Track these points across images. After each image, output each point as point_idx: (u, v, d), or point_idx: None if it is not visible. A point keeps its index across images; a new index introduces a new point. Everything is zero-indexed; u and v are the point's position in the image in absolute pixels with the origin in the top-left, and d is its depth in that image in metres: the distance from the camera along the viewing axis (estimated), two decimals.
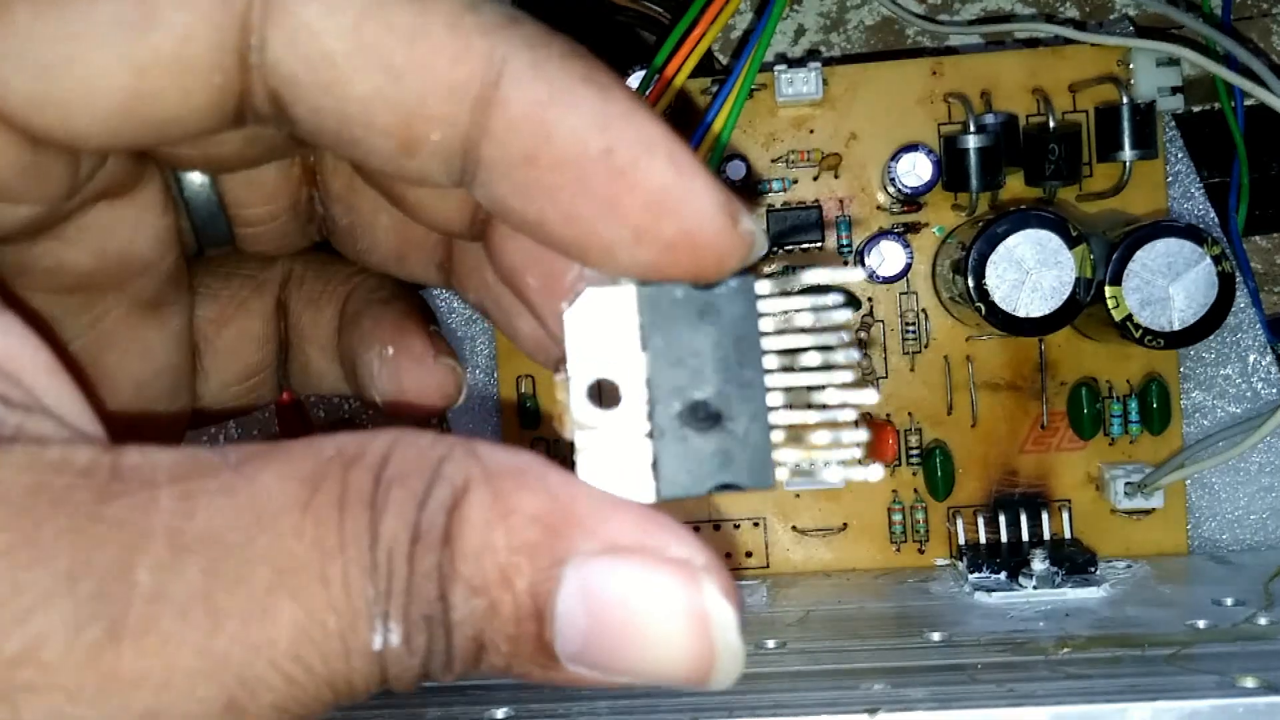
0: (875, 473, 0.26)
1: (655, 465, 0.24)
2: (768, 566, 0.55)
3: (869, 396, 0.25)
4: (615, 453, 0.24)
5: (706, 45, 0.49)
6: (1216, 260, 0.46)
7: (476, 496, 0.21)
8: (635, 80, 0.49)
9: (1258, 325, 0.54)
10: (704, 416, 0.24)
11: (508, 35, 0.23)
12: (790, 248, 0.54)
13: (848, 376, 0.25)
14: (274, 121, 0.25)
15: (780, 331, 0.25)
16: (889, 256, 0.52)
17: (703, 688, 0.23)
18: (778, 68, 0.53)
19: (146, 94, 0.23)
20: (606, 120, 0.23)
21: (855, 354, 0.25)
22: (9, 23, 0.22)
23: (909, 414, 0.54)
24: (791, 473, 0.25)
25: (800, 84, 0.53)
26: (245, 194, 0.32)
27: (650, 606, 0.22)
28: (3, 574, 0.19)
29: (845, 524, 0.55)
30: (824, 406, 0.25)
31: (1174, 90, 0.52)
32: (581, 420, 0.24)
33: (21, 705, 0.19)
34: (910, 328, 0.54)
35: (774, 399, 0.24)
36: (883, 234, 0.53)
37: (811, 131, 0.54)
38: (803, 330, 0.25)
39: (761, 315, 0.24)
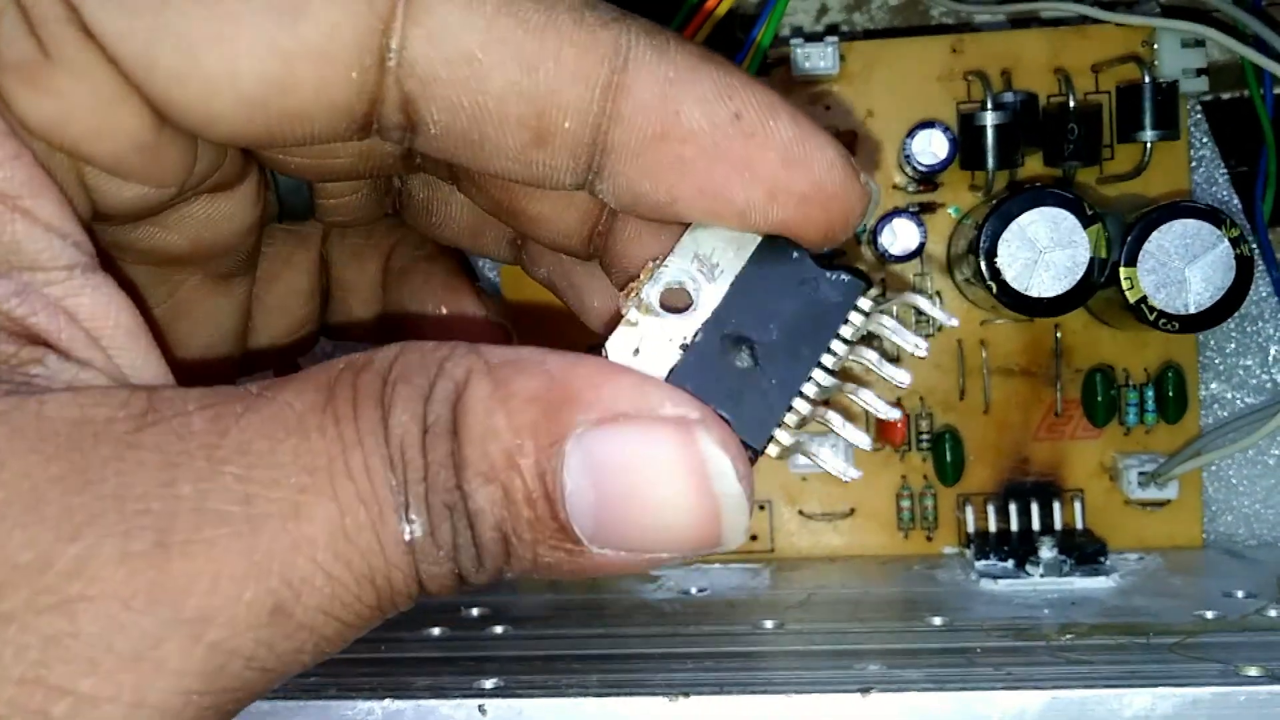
0: (853, 473, 0.27)
1: (674, 370, 0.25)
2: (773, 551, 0.54)
3: (892, 413, 0.27)
4: (650, 342, 0.25)
5: (721, 14, 0.48)
6: (1235, 243, 0.45)
7: (477, 386, 0.22)
8: None
9: (1279, 316, 0.53)
10: (744, 352, 0.25)
11: (628, 25, 0.24)
12: None
13: (885, 411, 0.27)
14: (399, 132, 0.25)
15: (852, 342, 0.26)
16: (902, 235, 0.51)
17: (716, 546, 0.23)
18: (794, 41, 0.52)
19: (287, 84, 0.24)
20: (730, 89, 0.24)
21: (895, 413, 0.27)
22: None
23: (920, 398, 0.53)
24: (780, 452, 0.25)
25: (817, 59, 0.52)
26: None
27: (650, 467, 0.23)
28: (55, 499, 0.21)
29: (852, 509, 0.54)
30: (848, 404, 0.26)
31: (1198, 72, 0.51)
32: (645, 302, 0.25)
33: (79, 614, 0.20)
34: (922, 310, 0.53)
35: (809, 389, 0.25)
36: (897, 212, 0.52)
37: (827, 108, 0.53)
38: (872, 348, 0.26)
39: (848, 321, 0.26)
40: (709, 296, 0.25)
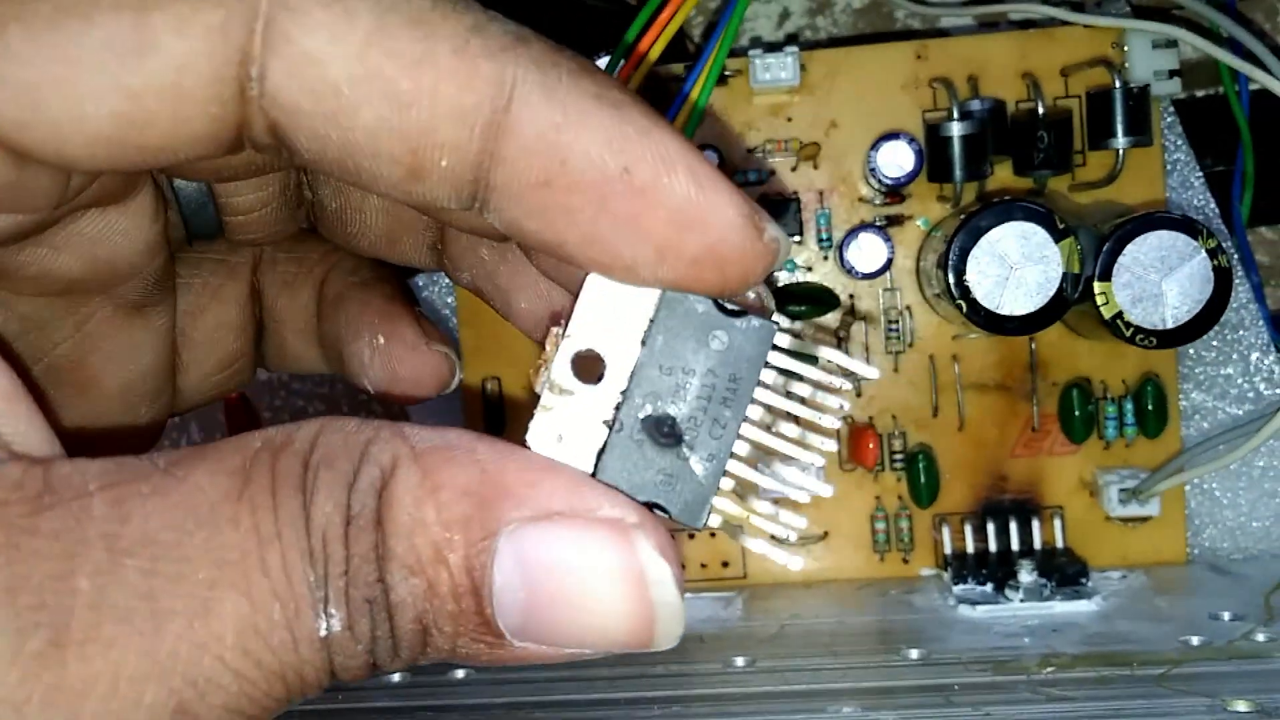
0: (795, 563, 0.26)
1: (601, 453, 0.24)
2: (745, 576, 0.53)
3: (825, 490, 0.25)
4: (571, 426, 0.24)
5: (676, 27, 0.46)
6: (1212, 254, 0.43)
7: (404, 475, 0.21)
8: (600, 66, 0.46)
9: (1260, 322, 0.51)
10: (666, 433, 0.24)
11: (516, 56, 0.22)
12: None
13: (818, 461, 0.25)
14: (272, 150, 0.24)
15: (773, 389, 0.24)
16: (869, 251, 0.50)
17: (647, 648, 0.22)
18: (753, 52, 0.50)
19: (139, 120, 0.22)
20: (623, 139, 0.23)
21: (832, 445, 0.25)
22: (1, 44, 0.22)
23: (892, 416, 0.52)
24: (722, 524, 0.24)
25: (777, 69, 0.50)
26: (235, 184, 0.31)
27: (585, 569, 0.22)
28: None
29: (826, 532, 0.52)
30: (782, 480, 0.24)
31: (1171, 74, 0.49)
32: (557, 381, 0.24)
33: None
34: (893, 326, 0.51)
35: (739, 448, 0.24)
36: (863, 227, 0.50)
37: (789, 120, 0.51)
38: (795, 399, 0.24)
39: (766, 365, 0.24)
40: (621, 358, 0.24)
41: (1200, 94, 0.56)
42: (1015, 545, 0.50)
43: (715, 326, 0.24)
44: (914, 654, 0.43)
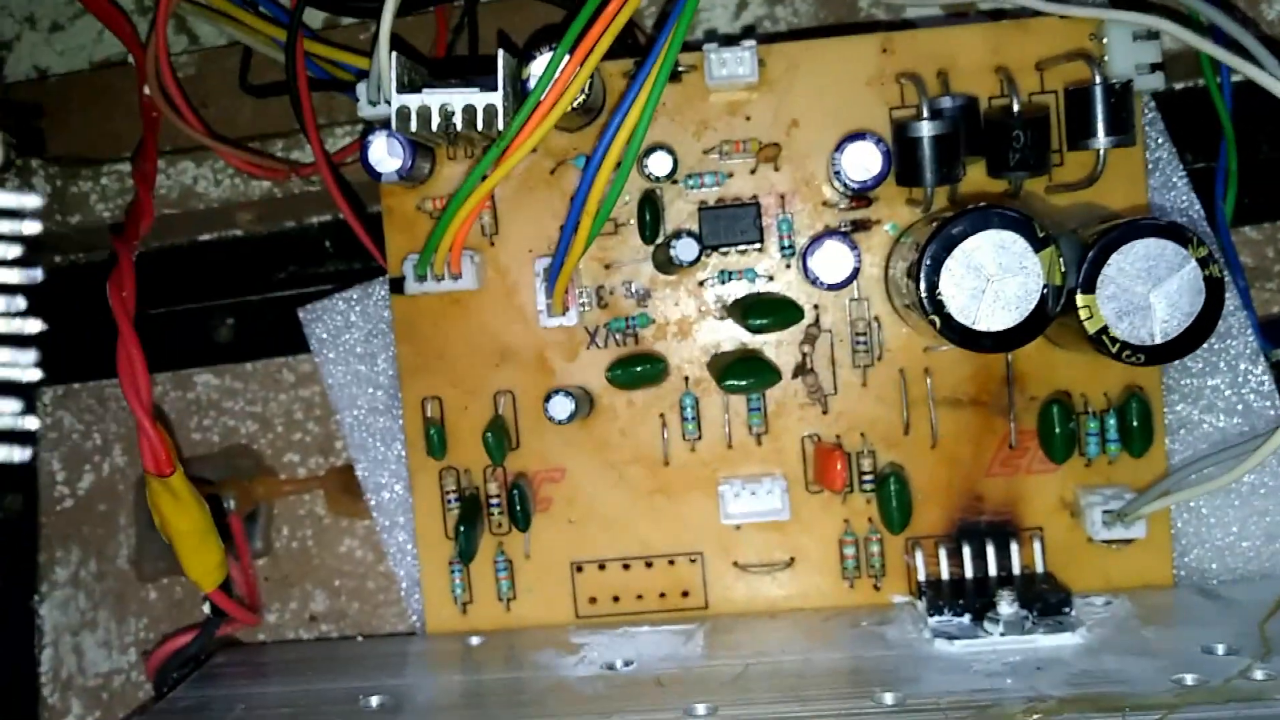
0: None
1: None
2: (706, 607, 0.49)
3: None
4: None
5: (626, 18, 0.42)
6: (1203, 263, 0.40)
7: None
8: (541, 63, 0.43)
9: (1248, 329, 0.49)
10: None
11: None
12: (725, 251, 0.48)
13: None
14: None
15: None
16: (834, 259, 0.46)
17: None
18: (708, 46, 0.47)
19: None
20: None
21: None
22: None
23: (861, 434, 0.48)
24: None
25: (734, 65, 0.47)
26: None
27: None
28: None
29: (792, 559, 0.49)
30: None
31: (1153, 67, 0.46)
32: None
33: None
34: (861, 338, 0.48)
35: None
36: (828, 233, 0.47)
37: (748, 118, 0.48)
38: None
39: None
40: None
41: (1179, 86, 0.53)
42: (993, 570, 0.47)
43: None
44: (889, 698, 0.40)
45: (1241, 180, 0.50)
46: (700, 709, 0.40)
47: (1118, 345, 0.41)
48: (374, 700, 0.43)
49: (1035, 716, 0.37)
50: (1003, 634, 0.43)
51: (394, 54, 0.43)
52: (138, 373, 0.45)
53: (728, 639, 0.46)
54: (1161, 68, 0.46)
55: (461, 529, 0.48)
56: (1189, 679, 0.39)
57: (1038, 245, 0.40)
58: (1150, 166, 0.48)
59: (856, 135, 0.45)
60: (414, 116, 0.43)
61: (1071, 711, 0.37)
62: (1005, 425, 0.48)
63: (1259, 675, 0.39)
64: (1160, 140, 0.49)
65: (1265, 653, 0.41)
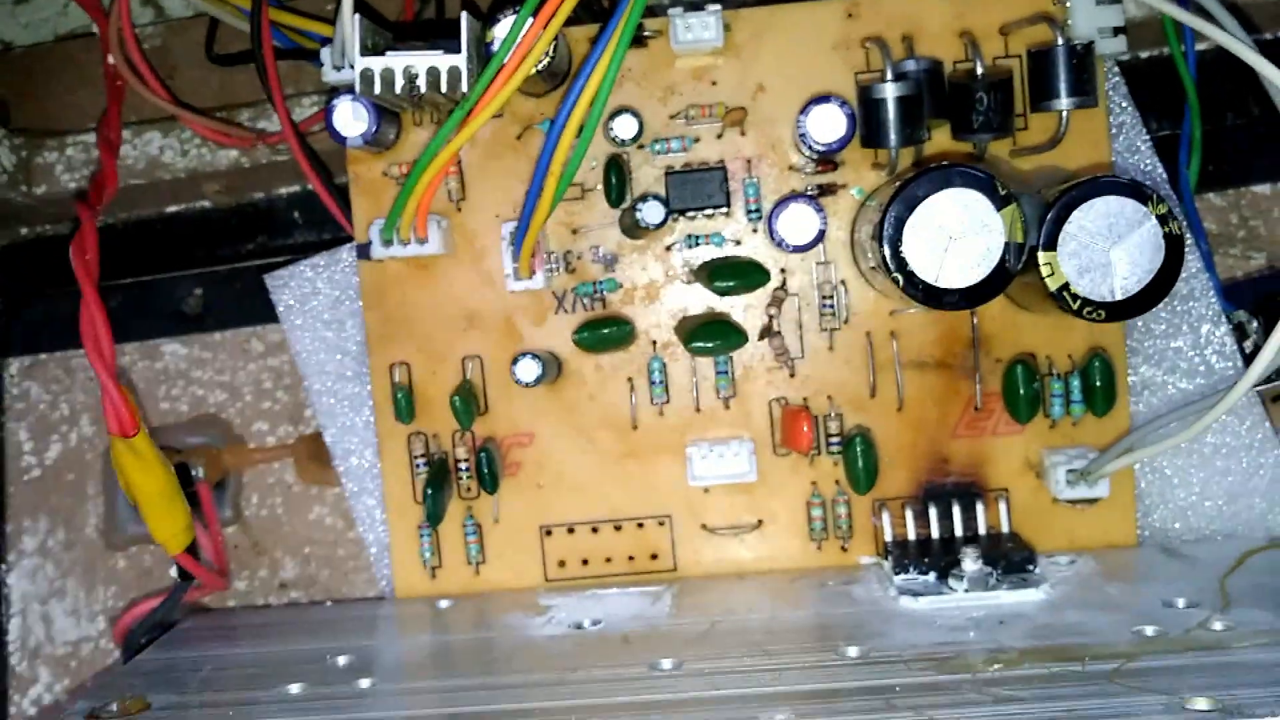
0: None
1: None
2: (675, 569, 0.49)
3: None
4: None
5: None
6: (1163, 220, 0.41)
7: None
8: (505, 26, 0.43)
9: (1211, 292, 0.49)
10: None
11: None
12: (692, 215, 0.48)
13: None
14: None
15: None
16: (800, 222, 0.46)
17: None
18: (673, 11, 0.47)
19: None
20: None
21: None
22: None
23: (828, 398, 0.49)
24: None
25: (699, 29, 0.47)
26: None
27: None
28: None
29: (760, 521, 0.49)
30: None
31: (1115, 31, 0.46)
32: None
33: None
34: (827, 302, 0.48)
35: None
36: (794, 196, 0.47)
37: (714, 83, 0.48)
38: None
39: None
40: None
41: (1145, 55, 0.53)
42: (959, 531, 0.47)
43: None
44: (853, 652, 0.40)
45: (1206, 147, 0.50)
46: (666, 664, 0.40)
47: (1079, 302, 0.41)
48: (341, 660, 0.43)
49: (996, 667, 0.38)
50: (967, 590, 0.44)
51: (357, 17, 0.43)
52: (100, 334, 0.45)
53: (696, 600, 0.47)
54: (1124, 31, 0.46)
55: (429, 491, 0.48)
56: (1149, 630, 0.40)
57: (999, 203, 0.41)
58: (1114, 132, 0.49)
59: (822, 98, 0.46)
60: (378, 79, 0.43)
61: (1032, 662, 0.38)
62: (971, 387, 0.48)
63: (1218, 626, 0.39)
64: (1125, 106, 0.49)
65: (1225, 605, 0.41)
